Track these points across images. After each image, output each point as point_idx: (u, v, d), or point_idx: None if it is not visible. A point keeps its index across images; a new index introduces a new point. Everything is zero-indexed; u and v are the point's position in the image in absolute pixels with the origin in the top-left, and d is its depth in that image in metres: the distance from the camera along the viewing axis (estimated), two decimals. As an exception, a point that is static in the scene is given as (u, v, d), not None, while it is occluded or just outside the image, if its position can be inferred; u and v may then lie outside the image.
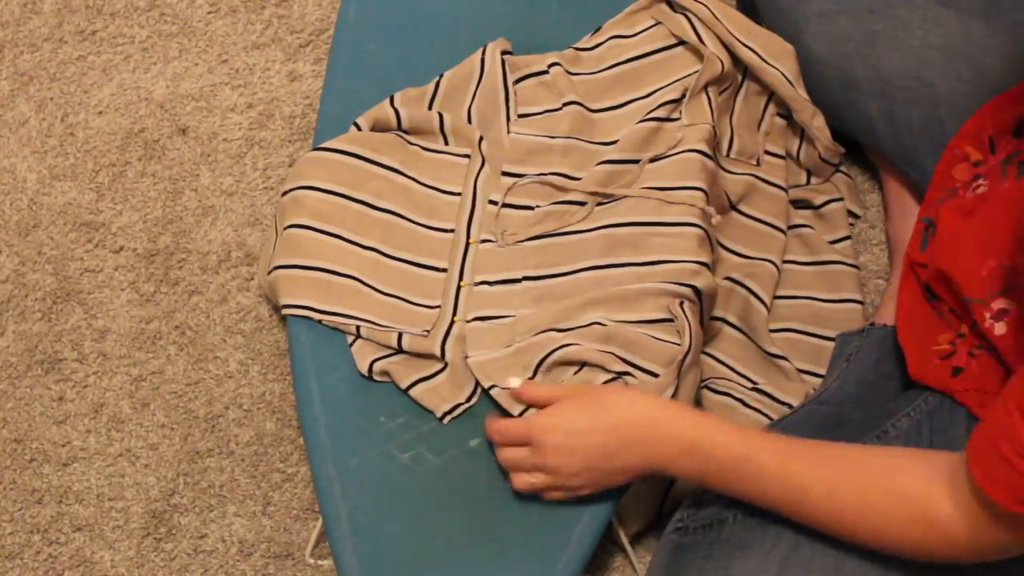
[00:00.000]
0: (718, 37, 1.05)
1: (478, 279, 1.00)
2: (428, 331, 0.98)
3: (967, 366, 0.87)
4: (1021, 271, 0.82)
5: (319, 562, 1.08)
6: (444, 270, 1.02)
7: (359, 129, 1.06)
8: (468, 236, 1.03)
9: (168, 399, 1.18)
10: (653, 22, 1.08)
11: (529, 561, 0.91)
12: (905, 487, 0.75)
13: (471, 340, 0.97)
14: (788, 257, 1.10)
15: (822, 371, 1.05)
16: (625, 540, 1.03)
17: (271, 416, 1.16)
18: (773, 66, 1.07)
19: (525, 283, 0.99)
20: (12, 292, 1.23)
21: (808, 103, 1.08)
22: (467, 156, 1.06)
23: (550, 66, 1.06)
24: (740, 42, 1.06)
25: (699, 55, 1.05)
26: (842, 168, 1.17)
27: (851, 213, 1.16)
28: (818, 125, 1.09)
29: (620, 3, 1.15)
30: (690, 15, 1.06)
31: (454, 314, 0.99)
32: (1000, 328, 0.83)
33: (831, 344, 1.06)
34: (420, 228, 1.03)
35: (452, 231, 1.03)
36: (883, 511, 0.76)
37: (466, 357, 0.96)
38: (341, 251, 1.01)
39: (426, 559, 0.91)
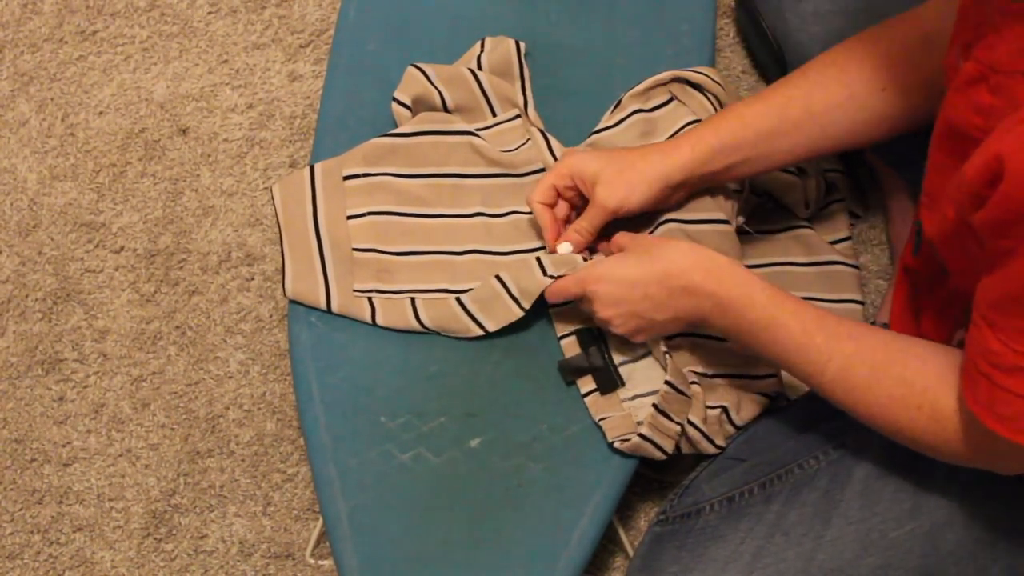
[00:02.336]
0: None
1: None
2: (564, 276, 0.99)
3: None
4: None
5: (319, 562, 1.08)
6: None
7: (400, 103, 1.08)
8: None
9: (168, 399, 1.18)
10: (669, 96, 1.08)
11: (529, 561, 0.91)
12: (915, 375, 0.76)
13: None
14: (788, 258, 1.10)
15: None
16: (625, 540, 1.03)
17: (271, 416, 1.16)
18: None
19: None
20: (12, 292, 1.24)
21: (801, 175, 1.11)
22: (518, 116, 1.08)
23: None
24: None
25: None
26: (842, 168, 1.17)
27: (851, 213, 1.16)
28: (811, 186, 1.10)
29: (620, 3, 1.15)
30: (709, 96, 1.06)
31: None
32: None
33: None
34: (514, 179, 1.05)
35: (543, 170, 1.04)
36: (890, 394, 0.77)
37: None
38: (448, 228, 1.02)
39: (426, 559, 0.91)
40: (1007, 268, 0.64)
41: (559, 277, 0.94)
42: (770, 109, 0.92)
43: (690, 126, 1.05)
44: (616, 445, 0.94)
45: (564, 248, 0.95)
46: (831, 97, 0.90)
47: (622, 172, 0.92)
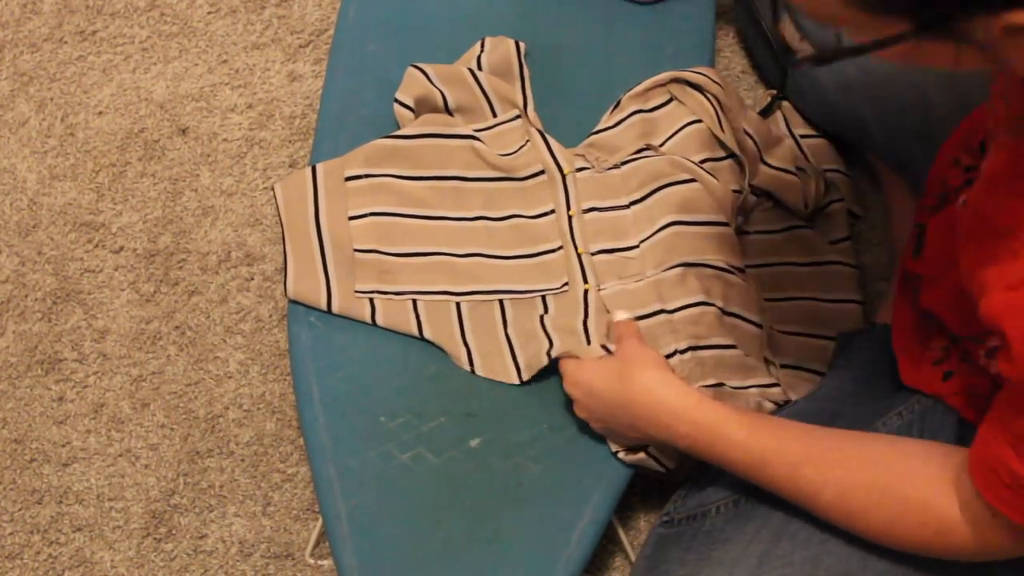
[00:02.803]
0: (730, 122, 1.07)
1: (585, 206, 1.03)
2: (567, 284, 1.01)
3: (957, 370, 0.87)
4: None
5: (319, 562, 1.08)
6: (552, 212, 1.04)
7: (402, 105, 1.08)
8: (560, 170, 1.04)
9: (168, 399, 1.18)
10: (669, 96, 1.08)
11: (529, 561, 0.91)
12: (912, 492, 0.76)
13: (602, 274, 1.01)
14: (788, 258, 1.10)
15: (823, 370, 1.05)
16: (625, 540, 1.03)
17: (271, 416, 1.16)
18: (768, 163, 1.11)
19: (634, 208, 1.02)
20: (12, 292, 1.23)
21: (801, 176, 1.11)
22: (518, 117, 1.08)
23: (579, 169, 1.07)
24: (744, 131, 1.09)
25: (713, 135, 1.06)
26: (842, 168, 1.17)
27: (851, 213, 1.16)
28: (810, 187, 1.11)
29: (620, 3, 1.15)
30: (709, 96, 1.06)
31: (575, 247, 1.02)
32: (995, 365, 0.83)
33: (832, 344, 1.06)
34: (515, 182, 1.05)
35: (542, 172, 1.04)
36: (890, 514, 0.77)
37: (600, 289, 1.00)
38: (449, 231, 1.02)
39: (426, 559, 0.91)
40: None
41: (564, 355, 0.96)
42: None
43: (690, 126, 1.05)
44: (620, 457, 0.94)
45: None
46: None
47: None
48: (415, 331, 0.99)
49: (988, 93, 0.76)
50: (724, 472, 0.88)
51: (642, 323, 0.98)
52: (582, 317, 0.98)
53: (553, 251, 1.02)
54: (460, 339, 0.99)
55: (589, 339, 0.96)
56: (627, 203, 1.03)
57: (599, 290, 1.00)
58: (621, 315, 0.96)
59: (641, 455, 0.93)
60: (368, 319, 0.99)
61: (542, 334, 0.97)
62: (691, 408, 0.85)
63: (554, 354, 0.95)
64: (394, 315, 0.99)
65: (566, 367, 0.93)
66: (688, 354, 0.96)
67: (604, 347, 0.94)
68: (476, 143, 1.05)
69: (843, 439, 0.82)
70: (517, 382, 0.98)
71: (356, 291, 1.00)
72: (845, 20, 0.60)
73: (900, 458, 0.79)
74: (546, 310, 1.00)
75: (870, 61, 1.01)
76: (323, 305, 1.00)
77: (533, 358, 0.97)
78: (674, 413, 0.85)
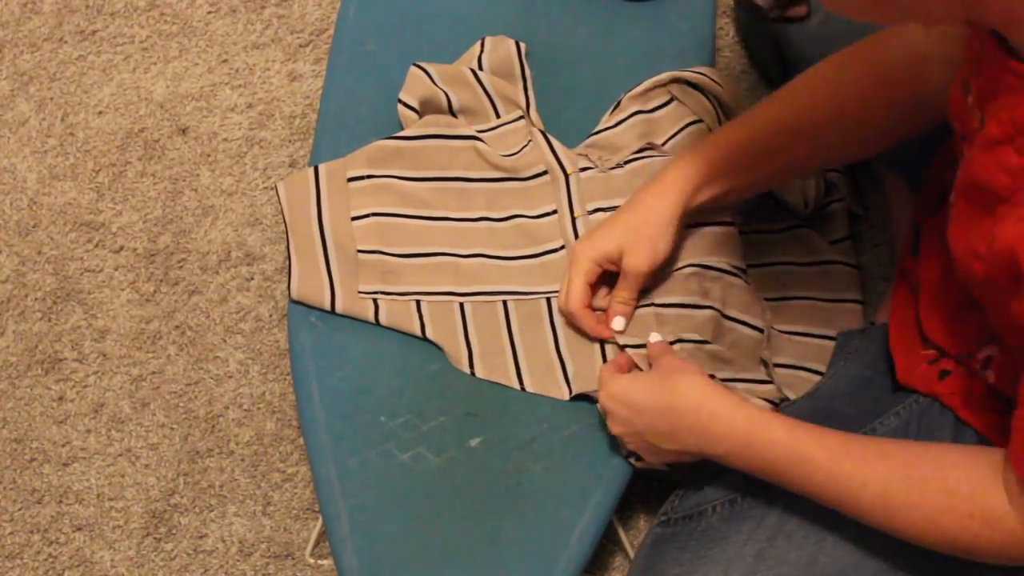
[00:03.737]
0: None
1: (591, 207, 1.03)
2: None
3: (954, 370, 0.87)
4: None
5: (319, 562, 1.08)
6: (555, 212, 1.03)
7: (406, 106, 1.08)
8: (563, 171, 1.04)
9: (168, 399, 1.18)
10: (669, 96, 1.08)
11: (529, 561, 0.91)
12: (957, 483, 0.75)
13: None
14: (788, 258, 1.10)
15: (823, 369, 1.05)
16: (625, 540, 1.03)
17: (271, 416, 1.16)
18: None
19: None
20: (12, 292, 1.23)
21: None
22: (521, 117, 1.08)
23: (582, 169, 1.07)
24: None
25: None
26: (842, 168, 1.17)
27: (851, 213, 1.16)
28: (810, 186, 1.10)
29: (620, 3, 1.15)
30: (709, 96, 1.06)
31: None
32: (991, 376, 0.83)
33: (831, 344, 1.06)
34: (518, 183, 1.05)
35: (545, 172, 1.04)
36: (935, 507, 0.75)
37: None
38: (452, 231, 1.02)
39: (426, 559, 0.91)
40: None
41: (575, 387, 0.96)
42: (756, 131, 0.92)
43: (691, 126, 1.05)
44: (631, 461, 0.94)
45: (618, 323, 0.96)
46: (821, 115, 0.90)
47: (639, 232, 0.93)
48: (418, 331, 0.99)
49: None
50: (721, 472, 0.88)
51: (643, 319, 0.98)
52: (601, 359, 0.98)
53: (555, 251, 1.02)
54: (463, 339, 0.99)
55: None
56: None
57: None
58: (654, 337, 0.96)
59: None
60: (372, 319, 0.99)
61: (559, 367, 0.98)
62: (732, 408, 0.84)
63: (576, 390, 0.96)
64: (397, 315, 0.99)
65: (604, 378, 0.92)
66: (677, 346, 0.96)
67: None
68: (479, 144, 1.05)
69: (880, 440, 0.81)
70: (518, 387, 0.98)
71: (360, 292, 1.00)
72: None
73: (943, 452, 0.78)
74: (551, 319, 1.00)
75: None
76: (327, 305, 1.00)
77: (542, 376, 0.98)
78: (714, 413, 0.84)
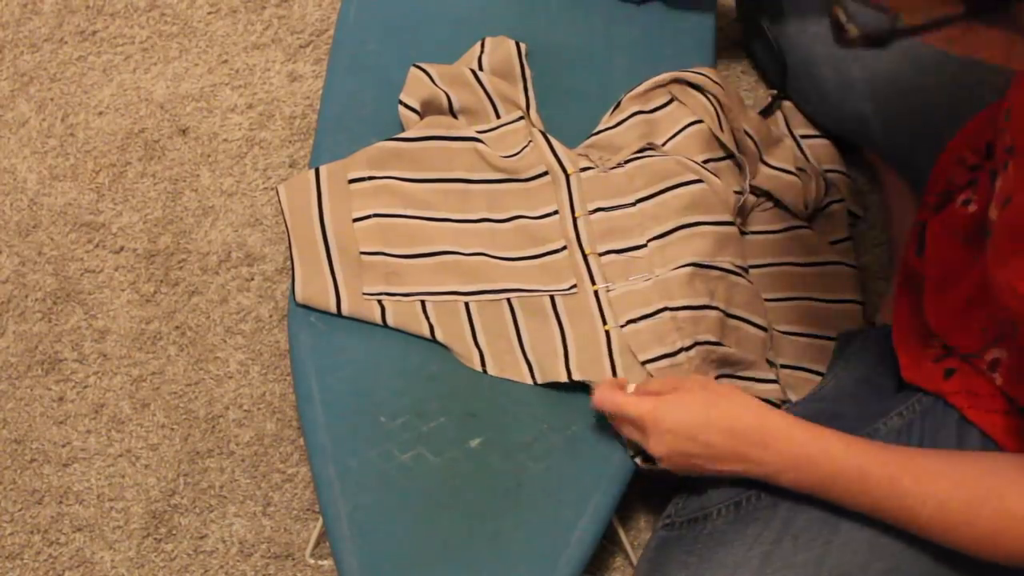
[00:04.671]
0: (730, 123, 1.07)
1: (591, 207, 1.03)
2: (575, 286, 1.00)
3: (959, 368, 0.87)
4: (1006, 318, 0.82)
5: (319, 562, 1.08)
6: (556, 212, 1.04)
7: (407, 107, 1.08)
8: (564, 171, 1.04)
9: (168, 399, 1.18)
10: (669, 97, 1.08)
11: (529, 561, 0.91)
12: (1015, 503, 0.75)
13: (610, 275, 1.00)
14: (788, 258, 1.10)
15: (823, 370, 1.05)
16: (625, 540, 1.03)
17: (271, 416, 1.16)
18: (768, 163, 1.11)
19: (640, 205, 1.02)
20: (12, 292, 1.24)
21: (800, 177, 1.11)
22: (521, 118, 1.08)
23: (583, 170, 1.07)
24: (744, 131, 1.08)
25: (714, 136, 1.06)
26: (842, 168, 1.17)
27: (851, 213, 1.16)
28: (811, 187, 1.10)
29: (619, 4, 1.15)
30: (709, 96, 1.06)
31: (581, 249, 1.01)
32: (998, 379, 0.83)
33: (832, 344, 1.06)
34: (519, 184, 1.05)
35: (546, 173, 1.04)
36: (995, 528, 0.75)
37: (609, 290, 1.00)
38: (454, 232, 1.02)
39: (426, 559, 0.91)
40: None
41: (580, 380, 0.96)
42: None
43: (691, 127, 1.05)
44: (637, 462, 0.94)
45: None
46: None
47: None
48: (427, 333, 0.99)
49: (991, 92, 0.76)
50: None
51: (647, 322, 0.98)
52: (606, 353, 0.98)
53: (557, 251, 1.02)
54: (471, 340, 0.99)
55: (615, 370, 0.97)
56: (633, 201, 1.03)
57: (608, 291, 1.00)
58: (664, 363, 0.95)
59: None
60: (379, 320, 0.99)
61: (561, 352, 0.98)
62: (790, 426, 0.83)
63: (576, 374, 0.96)
64: (404, 316, 1.00)
65: (653, 407, 0.88)
66: (694, 350, 0.96)
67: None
68: (480, 145, 1.05)
69: (935, 454, 0.81)
70: (531, 382, 0.98)
71: (364, 293, 1.00)
72: (899, 2, 0.60)
73: (997, 469, 0.77)
74: (556, 313, 1.00)
75: (921, 46, 0.99)
76: (332, 308, 1.00)
77: (551, 371, 0.97)
78: (775, 434, 0.83)
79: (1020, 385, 0.81)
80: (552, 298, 1.01)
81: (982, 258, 0.77)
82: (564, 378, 0.96)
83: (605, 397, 0.91)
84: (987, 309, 0.83)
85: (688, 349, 0.96)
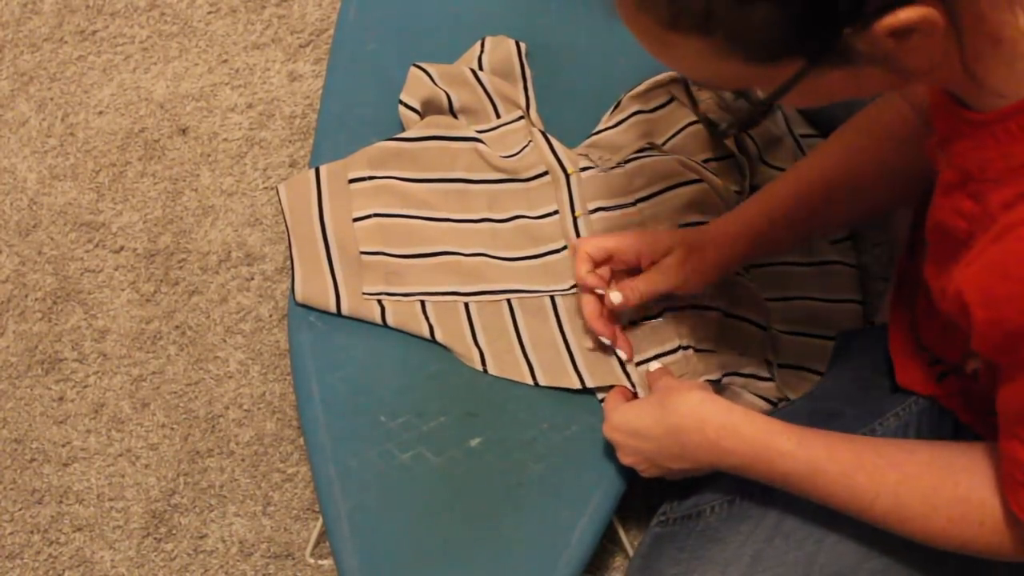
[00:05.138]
0: None
1: (591, 207, 1.03)
2: (576, 286, 1.00)
3: (953, 371, 0.87)
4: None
5: (319, 562, 1.08)
6: (556, 212, 1.04)
7: (407, 107, 1.08)
8: (564, 171, 1.04)
9: (168, 399, 1.18)
10: (669, 96, 1.08)
11: (529, 561, 0.91)
12: (968, 490, 0.75)
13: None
14: (788, 258, 1.10)
15: (823, 369, 1.05)
16: (625, 540, 1.03)
17: (271, 416, 1.16)
18: (768, 163, 1.10)
19: (640, 205, 1.02)
20: (12, 292, 1.24)
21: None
22: (521, 118, 1.08)
23: (583, 169, 1.07)
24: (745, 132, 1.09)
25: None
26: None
27: (851, 213, 1.16)
28: None
29: (620, 3, 1.15)
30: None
31: None
32: (983, 384, 0.83)
33: (831, 344, 1.06)
34: (519, 184, 1.05)
35: (546, 173, 1.04)
36: (947, 516, 0.75)
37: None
38: (454, 232, 1.02)
39: (426, 559, 0.91)
40: (1017, 383, 0.64)
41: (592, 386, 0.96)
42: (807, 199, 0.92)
43: (691, 126, 1.05)
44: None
45: (616, 297, 0.94)
46: (842, 182, 0.91)
47: (691, 254, 0.92)
48: (426, 334, 0.99)
49: None
50: (720, 472, 0.88)
51: (648, 323, 0.98)
52: (613, 355, 0.98)
53: (558, 251, 1.02)
54: (471, 340, 0.99)
55: (629, 379, 0.97)
56: (633, 201, 1.03)
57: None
58: (654, 365, 0.96)
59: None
60: (378, 320, 0.99)
61: (561, 344, 0.98)
62: (738, 422, 0.83)
63: (590, 384, 0.96)
64: (404, 316, 1.00)
65: (607, 411, 0.91)
66: (690, 350, 0.96)
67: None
68: (480, 146, 1.05)
69: (890, 446, 0.81)
70: (531, 382, 0.97)
71: (364, 293, 1.00)
72: (746, 79, 0.63)
73: (951, 460, 0.77)
74: (557, 314, 1.00)
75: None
76: (332, 308, 1.00)
77: (553, 368, 0.97)
78: (720, 428, 0.83)
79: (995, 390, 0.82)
80: (552, 298, 1.00)
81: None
82: (577, 385, 0.96)
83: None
84: None
85: (686, 348, 0.96)
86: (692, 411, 0.84)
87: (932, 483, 0.76)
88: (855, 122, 0.91)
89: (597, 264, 0.95)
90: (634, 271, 0.96)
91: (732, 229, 0.93)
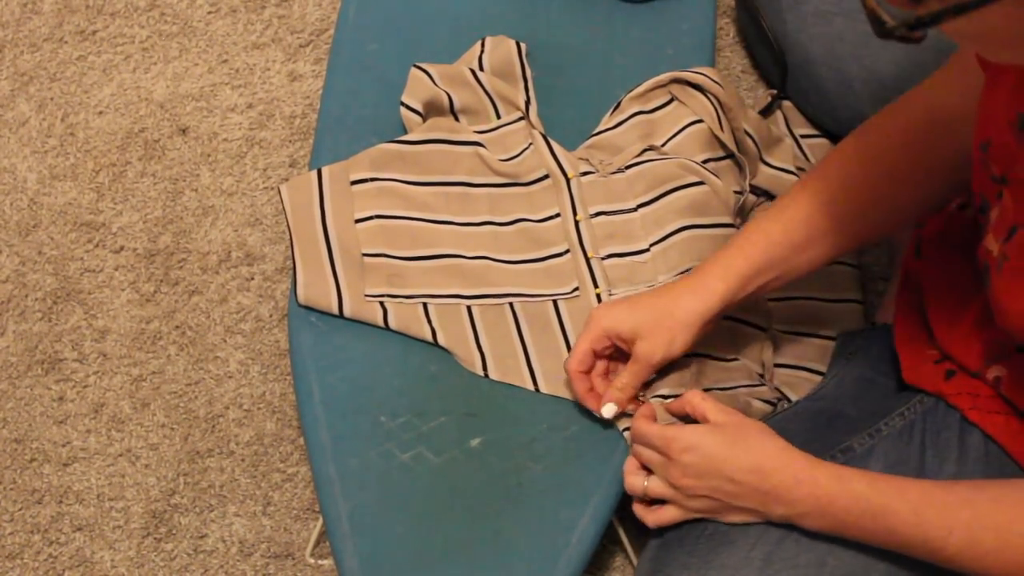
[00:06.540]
0: (730, 122, 1.07)
1: (592, 211, 1.03)
2: (577, 288, 1.00)
3: (959, 370, 0.87)
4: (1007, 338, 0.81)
5: (319, 562, 1.08)
6: (558, 215, 1.04)
7: (409, 108, 1.08)
8: (565, 175, 1.04)
9: (168, 399, 1.18)
10: (669, 97, 1.08)
11: (529, 561, 0.91)
12: None
13: (613, 279, 1.00)
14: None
15: (824, 370, 1.05)
16: (625, 540, 1.03)
17: (271, 416, 1.16)
18: (768, 163, 1.11)
19: (642, 210, 1.02)
20: (12, 292, 1.24)
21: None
22: (521, 119, 1.08)
23: (583, 174, 1.06)
24: (744, 131, 1.08)
25: (714, 136, 1.06)
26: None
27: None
28: None
29: (620, 3, 1.15)
30: (710, 96, 1.06)
31: (584, 252, 1.01)
32: (1004, 390, 0.83)
33: (832, 344, 1.06)
34: (520, 187, 1.05)
35: (547, 176, 1.04)
36: (1022, 553, 0.75)
37: (611, 294, 0.99)
38: (456, 235, 1.02)
39: (426, 559, 0.91)
40: None
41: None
42: (796, 223, 0.89)
43: (691, 127, 1.05)
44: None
45: (609, 410, 0.92)
46: (856, 201, 0.88)
47: (660, 322, 0.90)
48: (429, 336, 0.99)
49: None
50: None
51: None
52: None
53: (560, 255, 1.02)
54: (474, 344, 0.99)
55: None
56: (634, 206, 1.03)
57: (610, 295, 1.00)
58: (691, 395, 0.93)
59: None
60: (380, 322, 0.99)
61: (565, 353, 0.98)
62: (813, 468, 0.81)
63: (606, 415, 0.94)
64: (406, 319, 0.99)
65: (677, 433, 0.85)
66: (694, 359, 0.96)
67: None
68: (481, 150, 1.05)
69: (954, 485, 0.80)
70: (532, 388, 0.97)
71: (366, 295, 1.00)
72: None
73: (1019, 494, 0.77)
74: (559, 318, 1.00)
75: (917, 48, 0.98)
76: (334, 310, 0.99)
77: (556, 378, 0.97)
78: (797, 476, 0.81)
79: (1022, 395, 0.82)
80: (555, 302, 1.00)
81: (987, 289, 0.76)
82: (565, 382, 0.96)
83: (635, 426, 0.89)
84: (993, 333, 0.82)
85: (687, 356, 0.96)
86: (776, 455, 0.82)
87: (1005, 518, 0.75)
88: (867, 130, 0.89)
89: (598, 355, 0.93)
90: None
91: (698, 285, 0.90)
